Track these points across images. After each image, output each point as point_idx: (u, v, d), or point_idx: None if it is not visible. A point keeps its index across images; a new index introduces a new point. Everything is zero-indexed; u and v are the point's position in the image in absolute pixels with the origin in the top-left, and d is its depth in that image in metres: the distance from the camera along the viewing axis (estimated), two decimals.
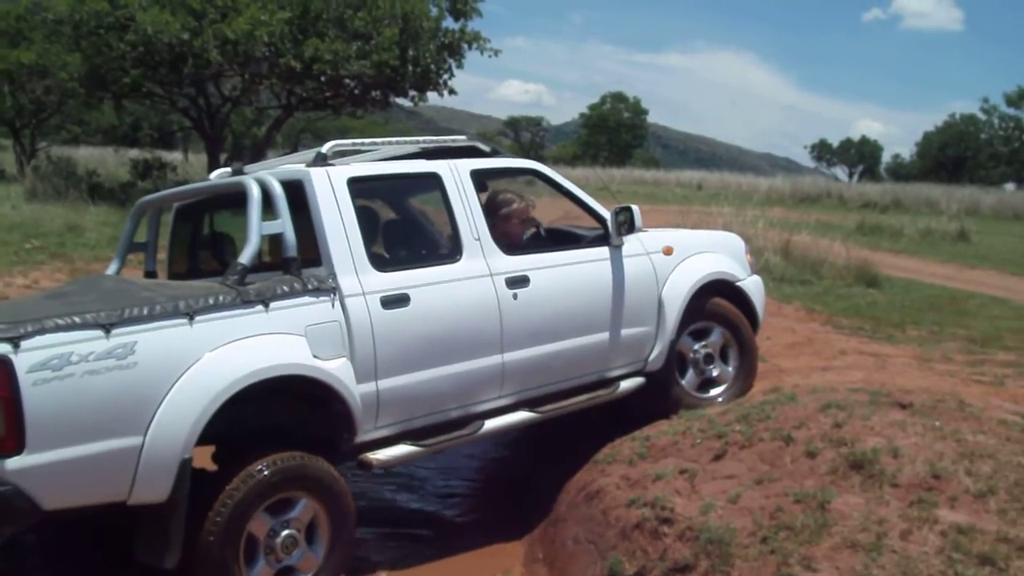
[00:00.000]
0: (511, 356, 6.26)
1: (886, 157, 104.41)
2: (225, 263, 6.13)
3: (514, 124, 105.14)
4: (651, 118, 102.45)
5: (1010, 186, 56.45)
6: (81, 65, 24.22)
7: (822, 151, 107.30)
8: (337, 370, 5.44)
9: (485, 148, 6.89)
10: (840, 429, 5.59)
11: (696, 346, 7.40)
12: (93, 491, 4.76)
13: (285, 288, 5.38)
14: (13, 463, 4.45)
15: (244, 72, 23.28)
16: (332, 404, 5.51)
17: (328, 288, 5.52)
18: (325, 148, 6.04)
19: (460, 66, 24.76)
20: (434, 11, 24.12)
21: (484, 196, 6.78)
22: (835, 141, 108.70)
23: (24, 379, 4.44)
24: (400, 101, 26.56)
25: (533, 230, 7.30)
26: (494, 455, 8.63)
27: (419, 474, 8.13)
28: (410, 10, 22.91)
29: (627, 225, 6.90)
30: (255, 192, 5.58)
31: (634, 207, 6.96)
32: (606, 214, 6.97)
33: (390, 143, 6.69)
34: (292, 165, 6.16)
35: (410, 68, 23.34)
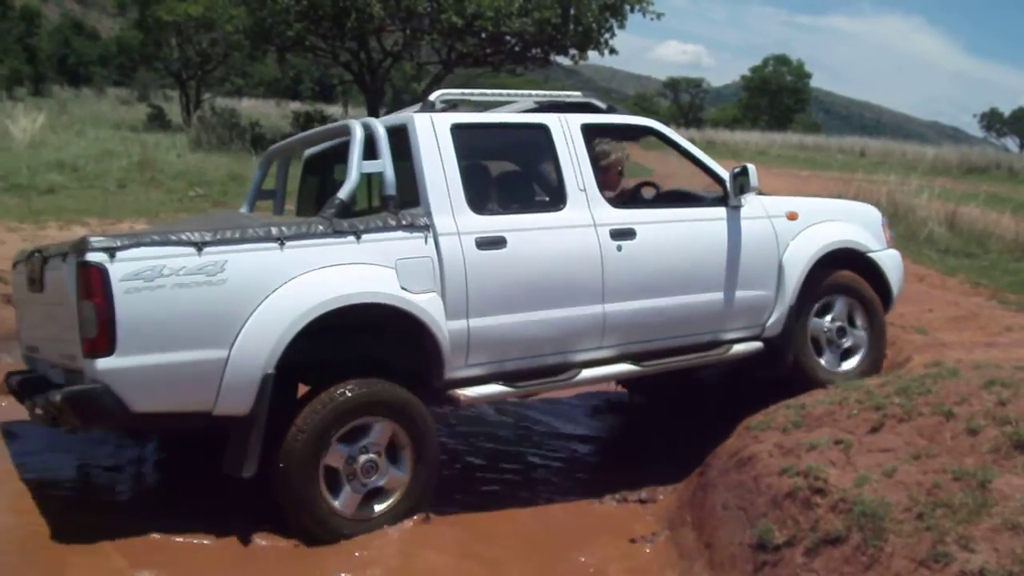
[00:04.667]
0: (613, 307, 6.35)
1: None
2: None
3: (673, 85, 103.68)
4: (814, 82, 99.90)
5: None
6: (246, 18, 24.85)
7: (992, 120, 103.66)
8: (425, 303, 5.68)
9: (601, 105, 6.98)
10: (1004, 407, 5.40)
11: (826, 321, 7.33)
12: (179, 398, 5.19)
13: (378, 222, 5.70)
14: (104, 363, 4.91)
15: (406, 27, 23.58)
16: (422, 339, 5.75)
17: (422, 225, 5.77)
18: (433, 96, 6.30)
19: (622, 26, 24.62)
20: None
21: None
22: (1006, 110, 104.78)
23: (117, 286, 4.90)
24: (560, 59, 26.51)
25: (652, 190, 7.47)
26: (645, 410, 8.66)
27: (559, 421, 8.25)
28: None
29: (742, 184, 6.82)
30: (358, 133, 5.93)
31: (751, 167, 6.85)
32: (725, 175, 6.95)
33: (501, 95, 6.94)
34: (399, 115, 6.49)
35: (571, 27, 23.26)
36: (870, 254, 7.49)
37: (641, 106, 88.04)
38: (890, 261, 7.66)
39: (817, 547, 4.81)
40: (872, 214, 7.90)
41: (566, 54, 24.84)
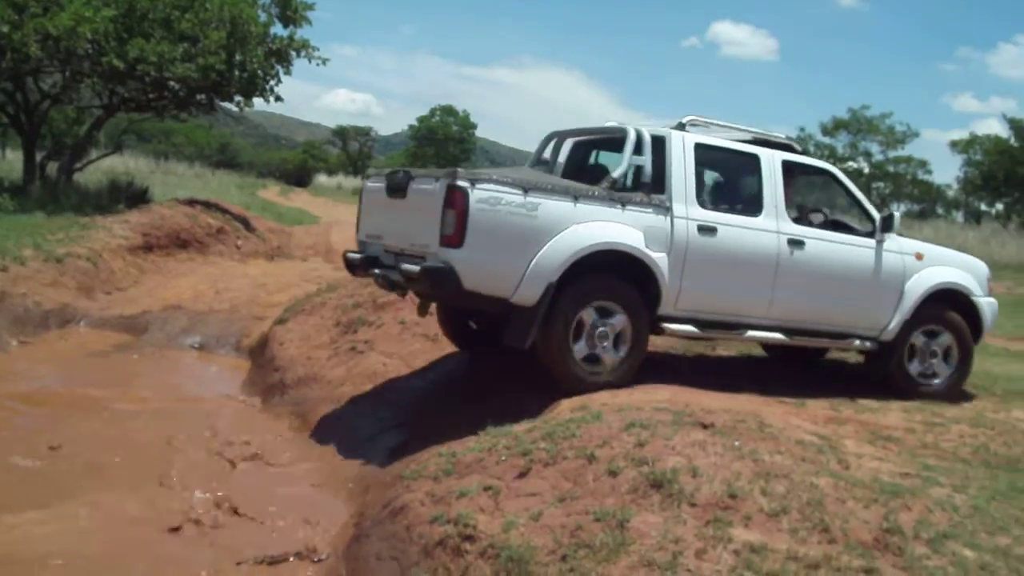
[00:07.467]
0: (779, 294, 8.59)
1: None
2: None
3: (342, 133, 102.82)
4: (480, 132, 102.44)
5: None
6: None
7: None
8: (658, 260, 7.99)
9: (797, 148, 9.38)
10: (642, 448, 5.68)
11: (927, 341, 9.40)
12: (494, 285, 7.50)
13: (637, 199, 8.03)
14: (454, 252, 7.28)
15: (65, 69, 22.45)
16: (650, 282, 8.01)
17: (665, 207, 8.11)
18: (685, 119, 8.69)
19: (288, 73, 24.35)
20: (263, 17, 23.69)
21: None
22: None
23: (473, 205, 7.26)
24: (226, 105, 26.01)
25: (822, 217, 9.44)
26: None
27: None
28: (238, 14, 22.44)
29: (887, 225, 9.09)
30: (632, 135, 8.36)
31: (896, 214, 9.22)
32: (876, 216, 9.18)
33: (730, 127, 9.20)
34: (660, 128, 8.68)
35: (236, 73, 22.86)
36: (972, 297, 9.57)
37: (311, 153, 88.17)
38: (987, 306, 9.71)
39: None
40: (981, 267, 9.96)
41: (231, 100, 24.33)
